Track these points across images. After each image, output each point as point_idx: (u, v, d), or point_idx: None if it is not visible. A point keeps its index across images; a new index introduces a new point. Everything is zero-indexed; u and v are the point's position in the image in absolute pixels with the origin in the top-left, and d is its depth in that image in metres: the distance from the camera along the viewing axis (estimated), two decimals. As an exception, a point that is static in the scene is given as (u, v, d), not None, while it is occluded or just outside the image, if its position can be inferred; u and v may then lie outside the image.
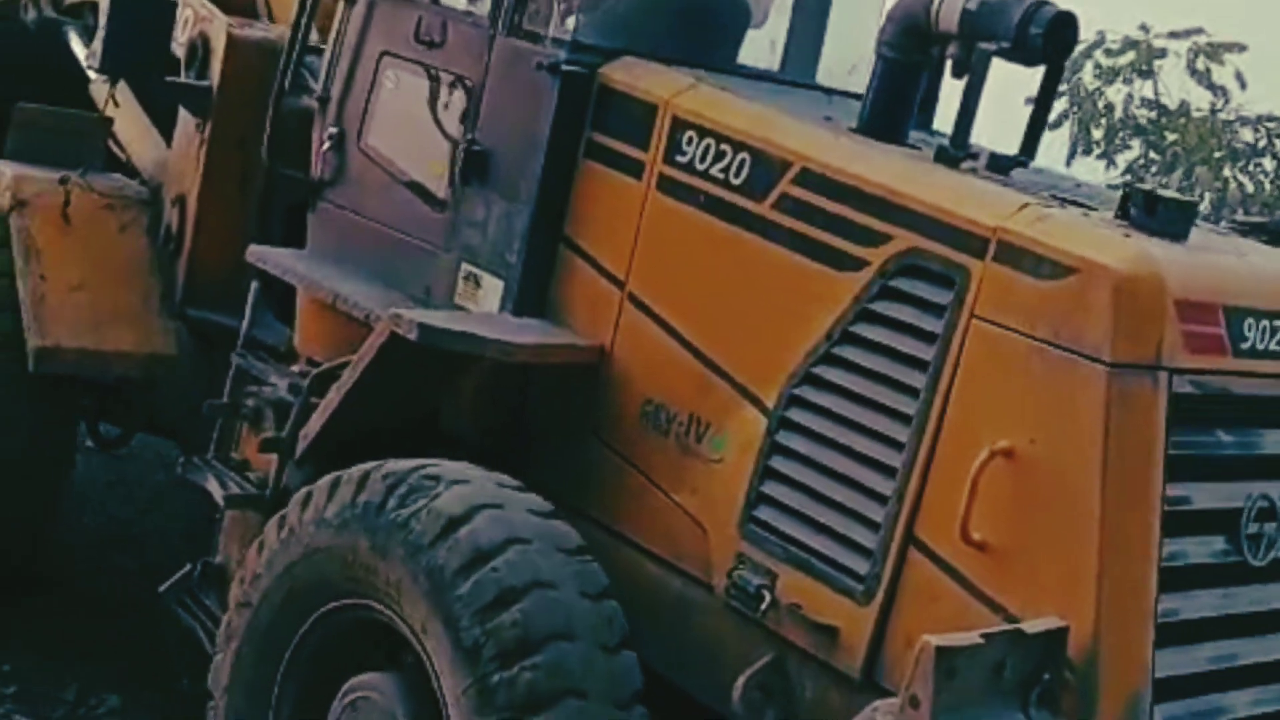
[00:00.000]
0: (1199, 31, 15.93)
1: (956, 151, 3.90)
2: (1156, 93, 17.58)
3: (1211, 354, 3.44)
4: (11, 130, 5.92)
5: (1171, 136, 16.94)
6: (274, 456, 4.69)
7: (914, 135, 4.28)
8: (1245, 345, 3.51)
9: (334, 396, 4.44)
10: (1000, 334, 3.48)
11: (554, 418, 4.44)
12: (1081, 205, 3.76)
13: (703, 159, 4.12)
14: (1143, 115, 17.29)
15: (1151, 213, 3.54)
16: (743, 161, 4.02)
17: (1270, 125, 16.90)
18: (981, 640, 3.08)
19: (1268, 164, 16.82)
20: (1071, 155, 17.46)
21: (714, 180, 4.09)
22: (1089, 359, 3.33)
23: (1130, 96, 17.61)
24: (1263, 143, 16.84)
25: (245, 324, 5.01)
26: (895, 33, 4.07)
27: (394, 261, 4.80)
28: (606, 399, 4.28)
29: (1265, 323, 3.55)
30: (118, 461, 6.82)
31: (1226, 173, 16.00)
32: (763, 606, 3.80)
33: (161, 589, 4.81)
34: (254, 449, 4.90)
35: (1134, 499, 3.33)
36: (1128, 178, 16.88)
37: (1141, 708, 3.33)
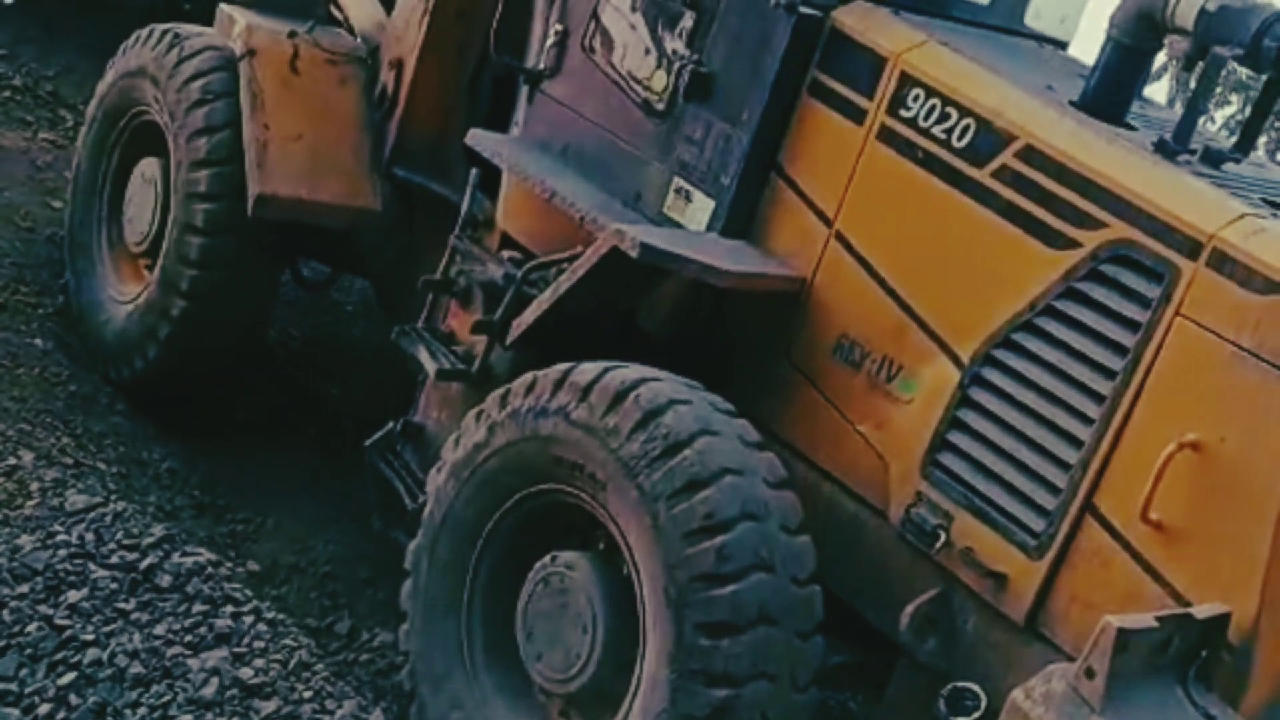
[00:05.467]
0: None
1: (1176, 145, 4.08)
2: (1258, 47, 17.20)
3: None
4: (246, -22, 6.20)
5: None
6: (483, 336, 5.05)
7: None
8: None
9: (549, 295, 4.76)
10: (1203, 335, 3.72)
11: (749, 336, 4.74)
12: None
13: (926, 117, 4.33)
14: (1244, 70, 16.94)
15: (1358, 236, 3.74)
16: (967, 127, 4.24)
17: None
18: (1156, 624, 3.40)
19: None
20: (1170, 104, 17.28)
21: (935, 140, 4.31)
22: None
23: (1231, 50, 17.30)
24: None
25: (465, 206, 5.32)
26: (1129, 19, 4.22)
27: (606, 163, 5.06)
28: (803, 327, 4.57)
29: None
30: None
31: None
32: (937, 545, 4.14)
33: (367, 443, 5.23)
34: (461, 323, 5.26)
35: (1309, 506, 3.61)
36: (1224, 132, 16.84)
37: (1287, 691, 3.66)
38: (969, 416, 4.16)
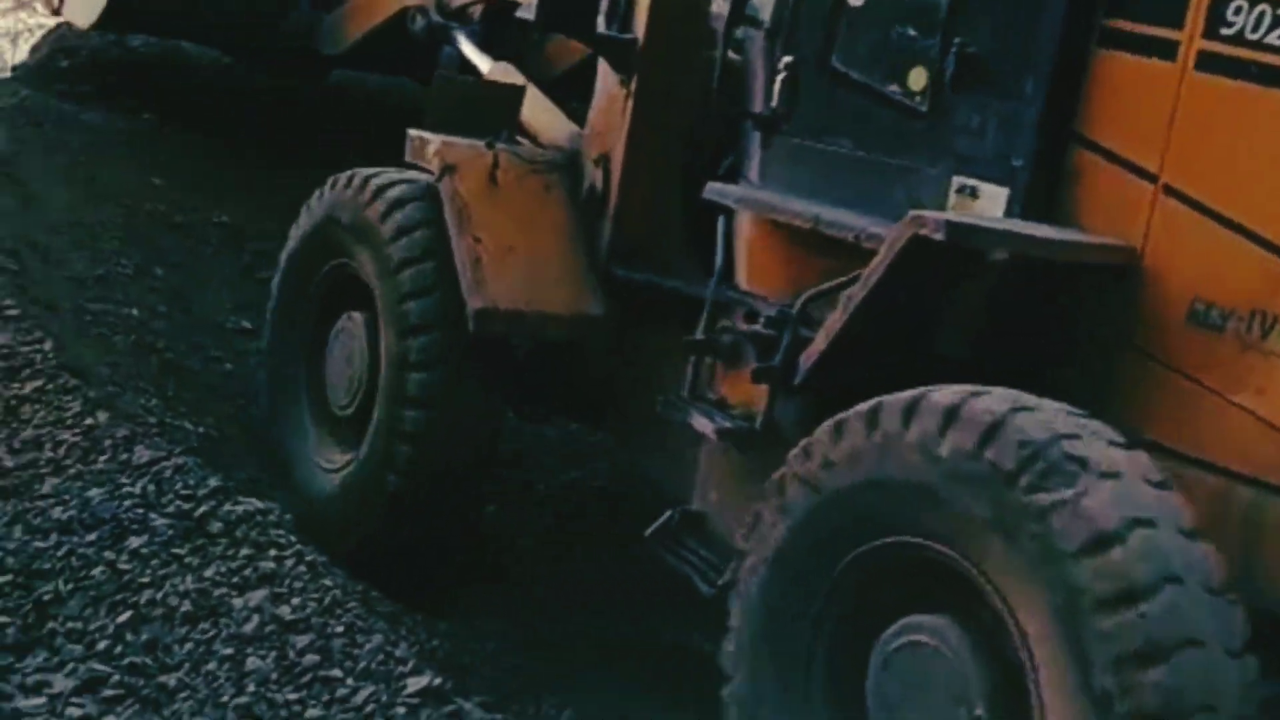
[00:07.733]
0: None
1: None
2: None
3: None
4: (430, 101, 5.89)
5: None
6: (755, 391, 4.47)
7: None
8: None
9: (840, 315, 4.17)
10: None
11: (1072, 328, 4.11)
12: None
13: (1255, 27, 3.78)
14: None
15: None
16: (1312, 24, 3.67)
17: None
18: None
19: None
20: None
21: (1272, 49, 3.74)
22: None
23: None
24: None
25: (720, 255, 4.81)
26: None
27: (867, 184, 4.54)
28: (1143, 302, 3.95)
29: None
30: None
31: None
32: None
33: (647, 533, 4.64)
34: (731, 385, 4.71)
35: None
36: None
37: None
38: (1384, 349, 3.48)
